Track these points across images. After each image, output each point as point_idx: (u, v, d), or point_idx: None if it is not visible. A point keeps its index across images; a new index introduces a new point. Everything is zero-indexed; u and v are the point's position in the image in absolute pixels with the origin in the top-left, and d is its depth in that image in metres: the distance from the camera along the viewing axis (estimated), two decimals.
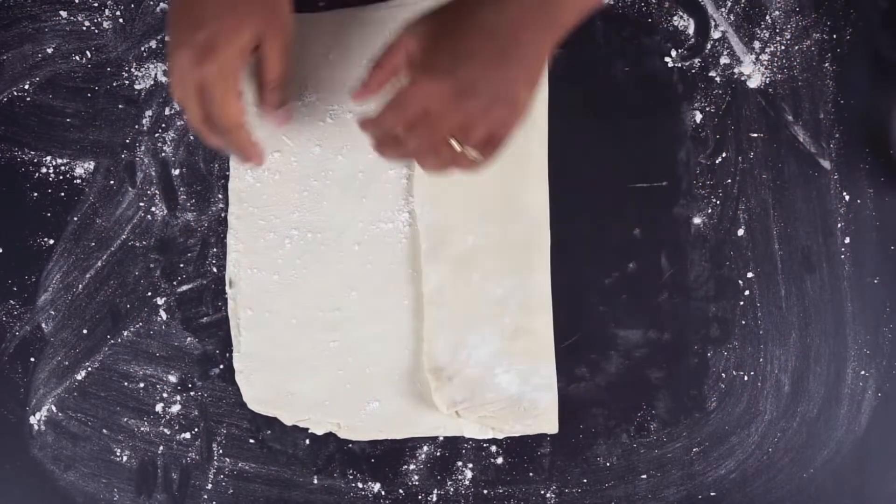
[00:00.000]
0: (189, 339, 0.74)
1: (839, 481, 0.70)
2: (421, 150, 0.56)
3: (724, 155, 0.72)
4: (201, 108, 0.60)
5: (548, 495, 0.71)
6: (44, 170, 0.75)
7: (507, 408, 0.69)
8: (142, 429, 0.74)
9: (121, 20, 0.76)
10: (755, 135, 0.72)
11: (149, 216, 0.75)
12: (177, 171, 0.75)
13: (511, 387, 0.69)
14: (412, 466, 0.72)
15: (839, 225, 0.71)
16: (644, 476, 0.71)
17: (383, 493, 0.72)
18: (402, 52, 0.55)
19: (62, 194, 0.75)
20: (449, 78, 0.53)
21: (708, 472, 0.71)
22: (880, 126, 0.72)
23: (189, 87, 0.59)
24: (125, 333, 0.74)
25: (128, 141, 0.75)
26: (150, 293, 0.74)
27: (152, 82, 0.75)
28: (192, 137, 0.75)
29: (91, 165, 0.75)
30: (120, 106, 0.75)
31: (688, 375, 0.71)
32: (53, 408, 0.74)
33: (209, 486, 0.73)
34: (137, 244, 0.75)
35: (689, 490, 0.71)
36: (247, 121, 0.62)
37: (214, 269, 0.74)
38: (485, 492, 0.71)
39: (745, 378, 0.71)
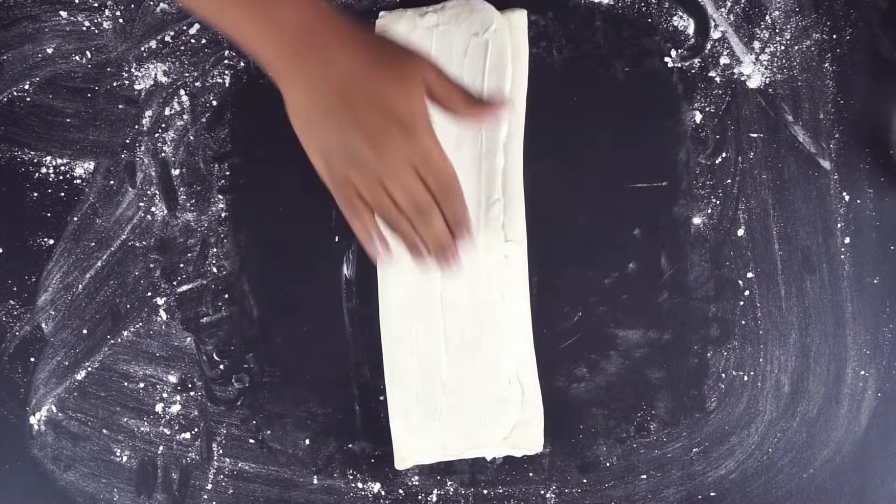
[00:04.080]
0: (189, 339, 0.74)
1: (839, 481, 0.70)
2: None
3: (724, 155, 0.72)
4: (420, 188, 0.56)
5: (548, 495, 0.71)
6: (44, 170, 0.75)
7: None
8: (142, 429, 0.74)
9: (121, 20, 0.76)
10: (755, 135, 0.72)
11: (149, 216, 0.75)
12: (177, 171, 0.75)
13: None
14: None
15: (839, 225, 0.71)
16: (644, 476, 0.71)
17: (383, 493, 0.72)
18: None
19: (62, 194, 0.75)
20: None
21: (708, 472, 0.71)
22: (880, 126, 0.72)
23: (405, 174, 0.55)
24: (125, 333, 0.74)
25: (128, 141, 0.75)
26: (150, 293, 0.74)
27: (152, 82, 0.75)
28: (191, 137, 0.75)
29: (91, 165, 0.75)
30: (120, 106, 0.75)
31: (688, 375, 0.71)
32: (53, 408, 0.74)
33: (209, 486, 0.73)
34: (137, 244, 0.75)
35: (689, 490, 0.71)
36: None
37: (214, 269, 0.74)
38: (485, 492, 0.71)
39: (745, 378, 0.71)
